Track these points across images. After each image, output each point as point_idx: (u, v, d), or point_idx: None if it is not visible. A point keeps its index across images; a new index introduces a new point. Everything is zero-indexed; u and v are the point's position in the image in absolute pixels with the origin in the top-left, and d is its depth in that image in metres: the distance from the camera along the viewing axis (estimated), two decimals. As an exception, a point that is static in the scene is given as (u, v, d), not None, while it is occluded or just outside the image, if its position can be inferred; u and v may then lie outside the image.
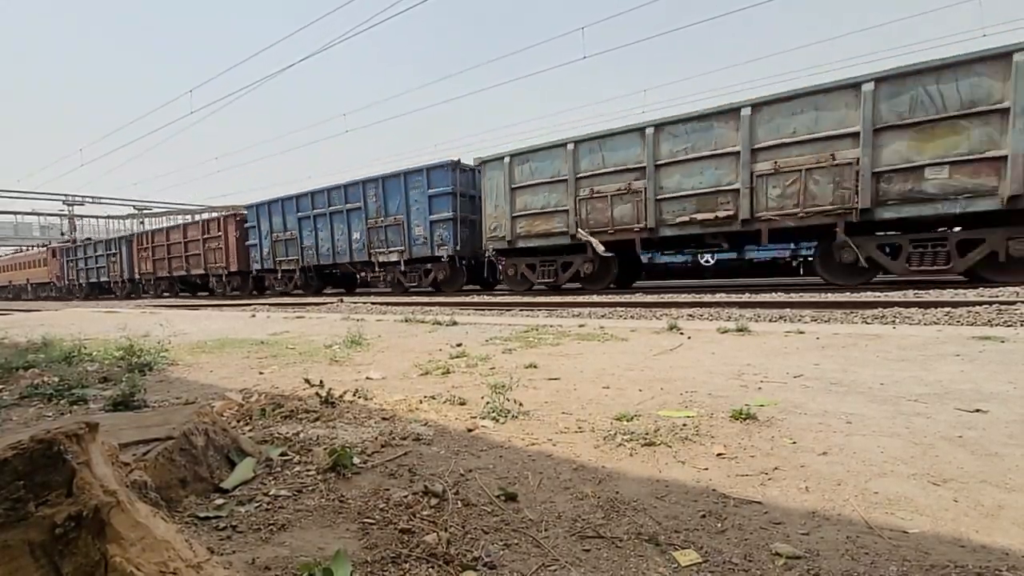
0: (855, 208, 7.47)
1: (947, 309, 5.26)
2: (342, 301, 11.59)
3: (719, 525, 1.31)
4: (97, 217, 44.32)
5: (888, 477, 1.54)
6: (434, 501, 1.47)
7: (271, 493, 1.53)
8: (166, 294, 21.48)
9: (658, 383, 2.81)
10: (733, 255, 13.04)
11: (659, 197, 9.04)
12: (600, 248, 9.65)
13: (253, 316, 8.73)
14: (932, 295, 6.65)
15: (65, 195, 39.60)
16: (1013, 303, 5.28)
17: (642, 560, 1.17)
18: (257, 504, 1.47)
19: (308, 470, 1.69)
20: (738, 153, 8.23)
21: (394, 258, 12.73)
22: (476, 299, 10.55)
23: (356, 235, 13.48)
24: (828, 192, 7.62)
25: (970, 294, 6.41)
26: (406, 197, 12.38)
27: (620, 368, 3.24)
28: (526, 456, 1.83)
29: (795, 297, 7.40)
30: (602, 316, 6.68)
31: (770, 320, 5.58)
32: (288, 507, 1.46)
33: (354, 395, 2.63)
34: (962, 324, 4.69)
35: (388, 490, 1.54)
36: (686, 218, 8.85)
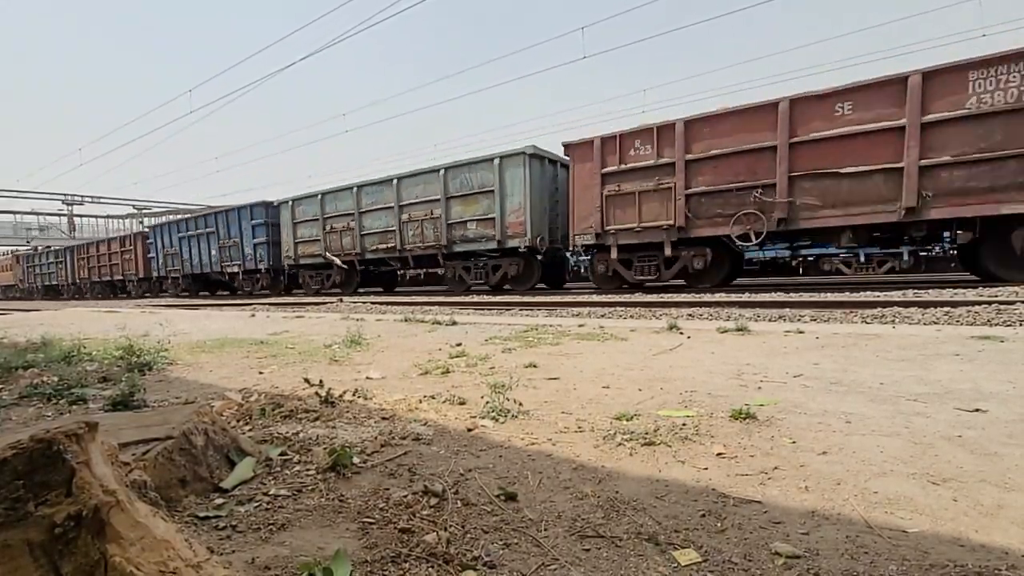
0: (443, 245, 12.18)
1: (946, 309, 5.26)
2: (341, 300, 11.62)
3: (719, 524, 1.31)
4: (96, 217, 44.30)
5: (888, 477, 1.54)
6: (434, 501, 1.47)
7: (271, 493, 1.53)
8: (100, 296, 24.96)
9: (658, 383, 2.81)
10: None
11: (363, 233, 13.80)
12: (339, 264, 14.26)
13: (253, 316, 8.73)
14: (932, 295, 6.66)
15: (64, 195, 39.59)
16: (1012, 303, 5.29)
17: (642, 559, 1.18)
18: (257, 504, 1.47)
19: (308, 470, 1.68)
20: (393, 207, 13.02)
21: (235, 269, 17.33)
22: (476, 299, 10.61)
23: (213, 252, 17.97)
24: (432, 235, 12.34)
25: (970, 294, 6.42)
26: (240, 225, 16.94)
27: (620, 368, 3.24)
28: (526, 456, 1.83)
29: (794, 297, 7.41)
30: (602, 316, 6.68)
31: (770, 320, 5.58)
32: (288, 507, 1.45)
33: (354, 395, 2.63)
34: (961, 324, 4.69)
35: (388, 490, 1.54)
36: (375, 247, 13.60)
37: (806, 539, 1.23)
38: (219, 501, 1.49)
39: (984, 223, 7.32)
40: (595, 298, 9.04)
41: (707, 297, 8.11)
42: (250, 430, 2.13)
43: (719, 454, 1.77)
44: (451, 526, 1.33)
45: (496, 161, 11.06)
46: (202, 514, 1.41)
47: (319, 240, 14.67)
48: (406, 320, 6.42)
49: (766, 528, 1.29)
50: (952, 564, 1.10)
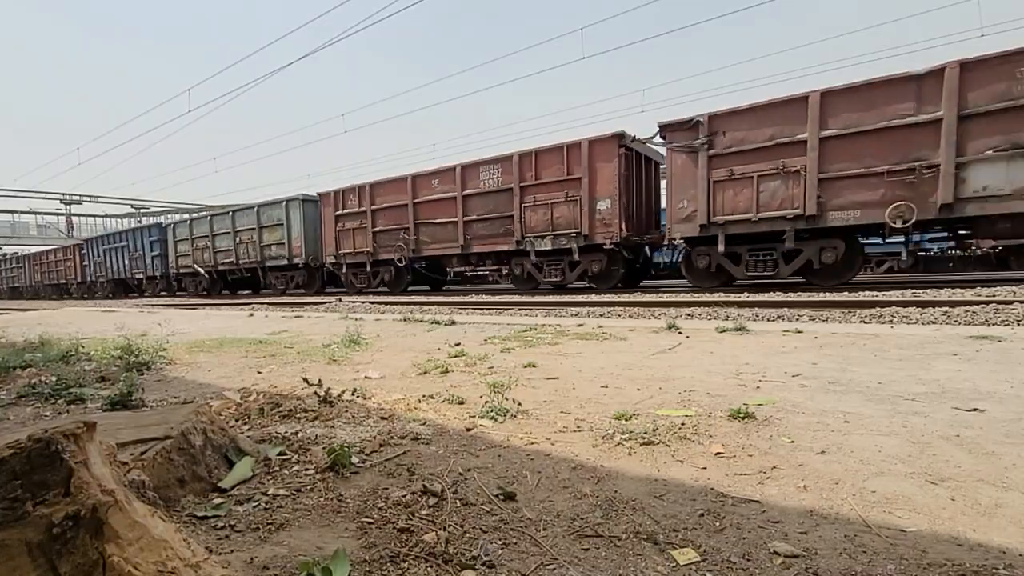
0: (259, 261, 16.67)
1: (945, 309, 5.27)
2: (340, 300, 11.62)
3: (717, 524, 1.31)
4: (95, 216, 44.19)
5: (886, 476, 1.55)
6: (433, 500, 1.47)
7: (269, 492, 1.53)
8: (53, 296, 28.89)
9: (657, 382, 2.82)
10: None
11: (215, 250, 18.11)
12: (203, 273, 18.72)
13: (251, 315, 8.72)
14: (930, 295, 6.67)
15: (63, 194, 39.50)
16: (1010, 303, 5.30)
17: (640, 559, 1.18)
18: (255, 503, 1.47)
19: (307, 469, 1.68)
20: (231, 232, 17.47)
21: (140, 276, 21.98)
22: (475, 298, 10.63)
23: (126, 262, 22.60)
24: (254, 253, 16.84)
25: (967, 294, 6.44)
26: (143, 241, 21.56)
27: (619, 367, 3.24)
28: (525, 455, 1.84)
29: (793, 296, 7.42)
30: (601, 315, 6.68)
31: (768, 319, 5.59)
32: (286, 506, 1.45)
33: (352, 394, 2.62)
34: (959, 323, 4.70)
35: (387, 489, 1.54)
36: (223, 261, 17.92)
37: (804, 538, 1.23)
38: (217, 501, 1.48)
39: (503, 254, 11.97)
40: (594, 298, 9.05)
41: (706, 297, 8.12)
42: (249, 430, 2.13)
43: (718, 454, 1.78)
44: (450, 526, 1.33)
45: (284, 203, 15.92)
46: (200, 514, 1.40)
47: (189, 255, 19.19)
48: (405, 320, 6.42)
49: (764, 527, 1.29)
50: (950, 563, 1.10)
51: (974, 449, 1.71)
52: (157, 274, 20.87)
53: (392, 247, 13.41)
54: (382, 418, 2.27)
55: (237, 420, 2.26)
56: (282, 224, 15.75)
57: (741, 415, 2.11)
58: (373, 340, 4.93)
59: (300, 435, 2.01)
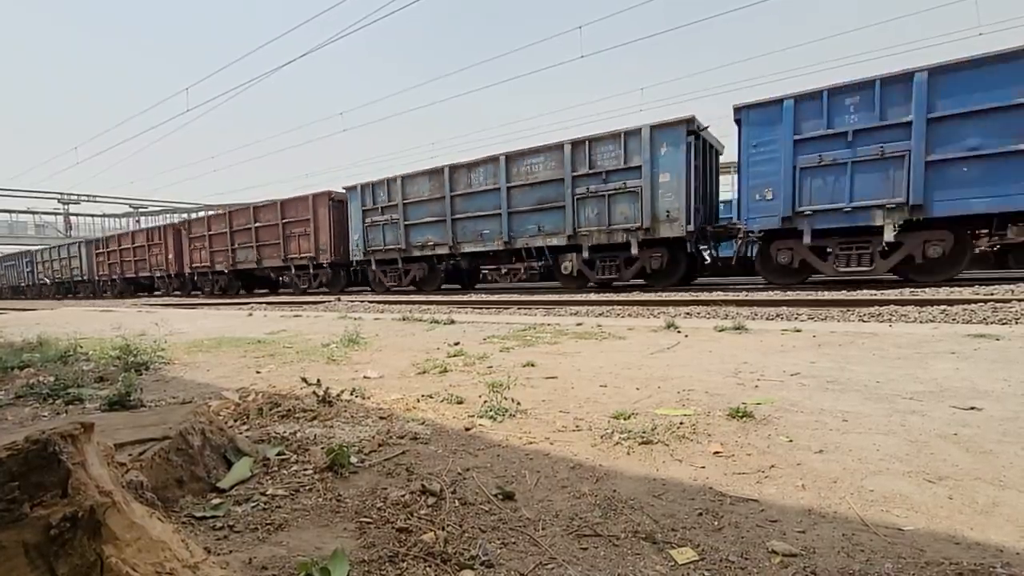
0: (71, 277, 27.86)
1: (943, 307, 5.28)
2: (339, 300, 11.62)
3: (716, 523, 1.31)
4: (93, 216, 44.10)
5: (883, 475, 1.55)
6: (431, 500, 1.47)
7: (268, 493, 1.53)
8: None
9: (655, 381, 2.82)
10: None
11: (54, 269, 29.11)
12: (48, 282, 26.90)
13: (250, 315, 8.71)
14: (928, 293, 6.69)
15: (61, 193, 39.44)
16: (1008, 301, 5.31)
17: (639, 558, 1.18)
18: (254, 504, 1.47)
19: (305, 469, 1.68)
20: (58, 259, 28.30)
21: (24, 284, 32.06)
22: (474, 298, 10.63)
23: (15, 274, 33.01)
24: (68, 272, 27.66)
25: (966, 292, 6.45)
26: (23, 262, 31.85)
27: (617, 366, 3.24)
28: (523, 455, 1.84)
29: (791, 295, 7.44)
30: (600, 315, 6.68)
31: (767, 318, 5.60)
32: (285, 506, 1.45)
33: (351, 394, 2.62)
34: (957, 322, 4.71)
35: (385, 489, 1.54)
36: (58, 275, 28.66)
37: (803, 537, 1.23)
38: (216, 501, 1.48)
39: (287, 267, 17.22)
40: (593, 297, 9.06)
41: (705, 295, 8.13)
42: (247, 430, 2.12)
43: (716, 453, 1.78)
44: (449, 525, 1.33)
45: (79, 244, 26.63)
46: (199, 514, 1.40)
47: (43, 272, 28.95)
48: (404, 319, 6.42)
49: (763, 526, 1.29)
50: (947, 562, 1.10)
51: (972, 448, 1.71)
52: (31, 282, 31.57)
53: (131, 272, 22.61)
54: (381, 418, 2.27)
55: (236, 420, 2.26)
56: (77, 256, 26.28)
57: (740, 414, 2.11)
58: (372, 339, 4.93)
59: (299, 435, 2.01)
